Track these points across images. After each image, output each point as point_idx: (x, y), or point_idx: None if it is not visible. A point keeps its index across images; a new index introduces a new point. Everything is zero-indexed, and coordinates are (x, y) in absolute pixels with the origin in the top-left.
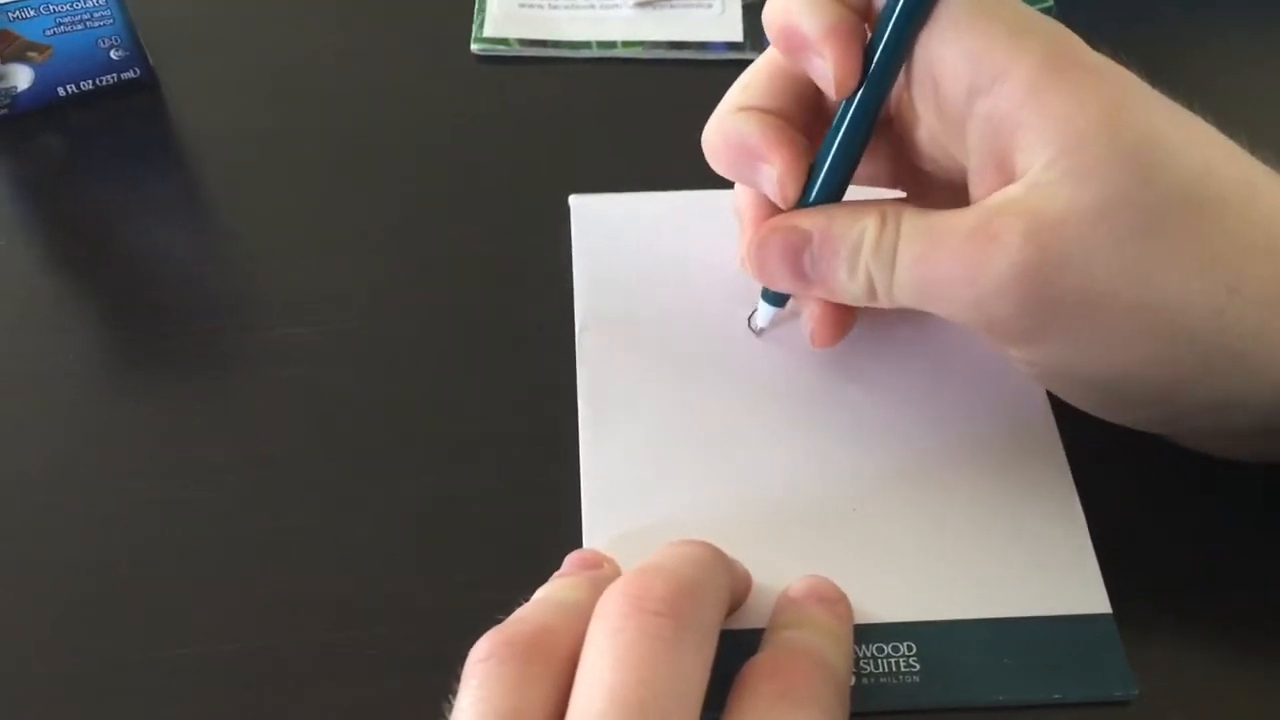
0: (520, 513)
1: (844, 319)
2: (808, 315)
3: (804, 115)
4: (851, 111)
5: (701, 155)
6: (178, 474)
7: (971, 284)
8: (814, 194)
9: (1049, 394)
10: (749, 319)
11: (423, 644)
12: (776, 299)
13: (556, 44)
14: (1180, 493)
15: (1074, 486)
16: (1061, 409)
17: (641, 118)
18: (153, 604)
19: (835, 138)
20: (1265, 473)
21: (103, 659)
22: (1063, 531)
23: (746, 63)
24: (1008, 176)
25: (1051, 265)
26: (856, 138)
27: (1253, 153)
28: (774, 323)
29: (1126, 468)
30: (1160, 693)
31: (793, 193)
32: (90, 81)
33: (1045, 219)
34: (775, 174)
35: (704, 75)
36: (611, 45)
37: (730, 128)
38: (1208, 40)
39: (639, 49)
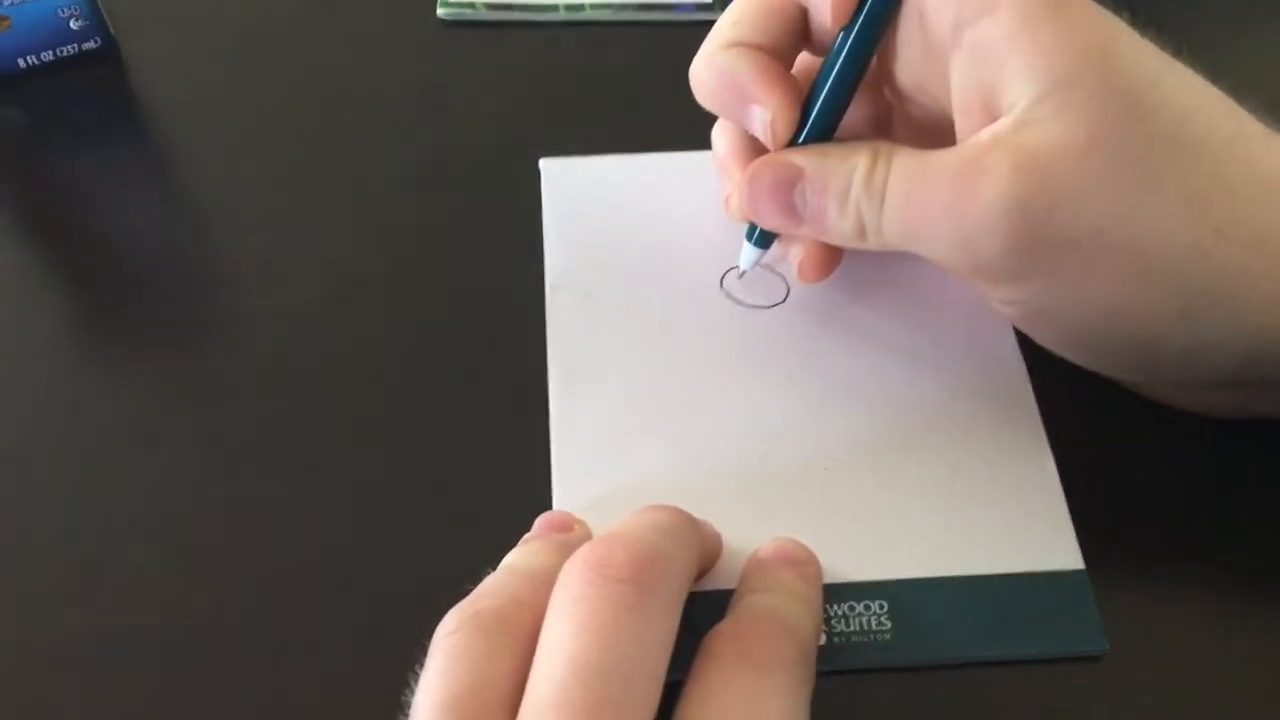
0: (490, 478)
1: (833, 254)
2: (797, 249)
3: (793, 51)
4: (849, 43)
5: (671, 117)
6: (144, 444)
7: (959, 219)
8: (807, 130)
9: (1023, 348)
10: (721, 280)
11: (391, 612)
12: (762, 241)
13: (523, 7)
14: (1155, 447)
15: (1047, 443)
16: (1035, 364)
17: (610, 80)
18: (116, 574)
19: (830, 73)
20: (1238, 428)
21: (66, 629)
22: (1036, 488)
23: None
24: (993, 112)
25: (1040, 200)
26: (852, 72)
27: (1238, 101)
28: (757, 264)
29: (1100, 424)
30: (1131, 648)
31: (784, 135)
32: (51, 52)
33: (1035, 154)
34: (768, 116)
35: (673, 36)
36: (579, 8)
37: (721, 64)
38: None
39: (607, 11)
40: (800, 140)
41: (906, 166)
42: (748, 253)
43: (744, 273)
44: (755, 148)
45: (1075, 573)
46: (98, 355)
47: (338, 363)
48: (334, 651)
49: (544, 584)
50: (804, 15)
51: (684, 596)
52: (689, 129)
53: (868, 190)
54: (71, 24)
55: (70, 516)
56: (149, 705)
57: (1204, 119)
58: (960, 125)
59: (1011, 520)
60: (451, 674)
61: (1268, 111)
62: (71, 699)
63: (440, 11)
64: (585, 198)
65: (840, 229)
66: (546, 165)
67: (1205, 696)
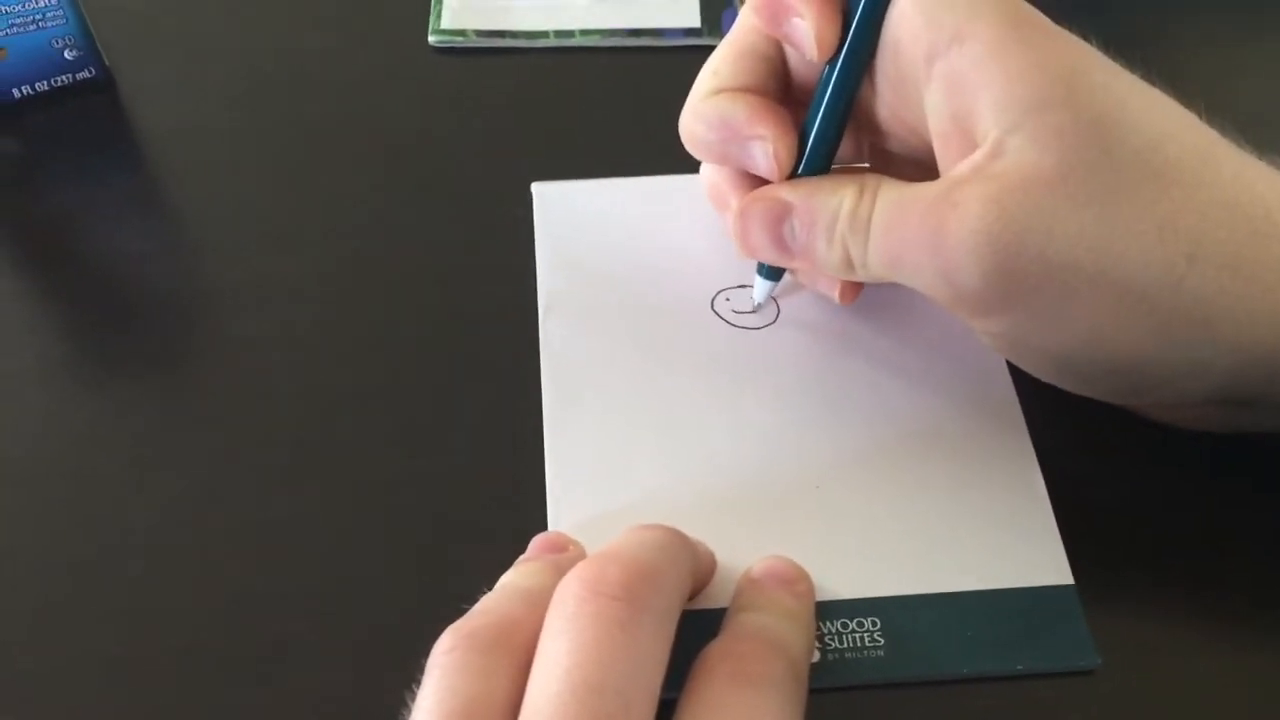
0: (485, 499)
1: None
2: (829, 277)
3: (775, 96)
4: (835, 75)
5: (661, 141)
6: (142, 469)
7: (935, 252)
8: (801, 166)
9: (1011, 367)
10: (712, 301)
11: (387, 632)
12: (773, 274)
13: (514, 34)
14: (1141, 462)
15: (1036, 459)
16: (1023, 382)
17: (600, 105)
18: (116, 600)
19: (819, 107)
20: (1226, 442)
21: (70, 657)
22: (1025, 504)
23: (703, 49)
24: (969, 141)
25: (1011, 232)
26: (840, 104)
27: (1207, 122)
28: (773, 294)
29: (1088, 439)
30: (1123, 662)
31: (788, 163)
32: (45, 82)
33: (1005, 185)
34: (769, 147)
35: (661, 61)
36: (569, 34)
37: (710, 111)
38: (1166, 21)
39: (596, 37)
40: (798, 174)
41: (889, 200)
42: (760, 286)
43: (759, 305)
44: (747, 178)
45: (1065, 588)
46: (94, 382)
47: (333, 388)
48: (330, 672)
49: (539, 603)
50: (783, 58)
51: (678, 614)
52: (679, 152)
53: (853, 225)
54: (66, 54)
55: (68, 540)
56: None
57: (1173, 143)
58: (940, 154)
59: (1001, 536)
60: (447, 692)
61: (1239, 131)
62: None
63: (432, 39)
64: (577, 221)
65: (829, 261)
66: (538, 189)
67: (1197, 709)
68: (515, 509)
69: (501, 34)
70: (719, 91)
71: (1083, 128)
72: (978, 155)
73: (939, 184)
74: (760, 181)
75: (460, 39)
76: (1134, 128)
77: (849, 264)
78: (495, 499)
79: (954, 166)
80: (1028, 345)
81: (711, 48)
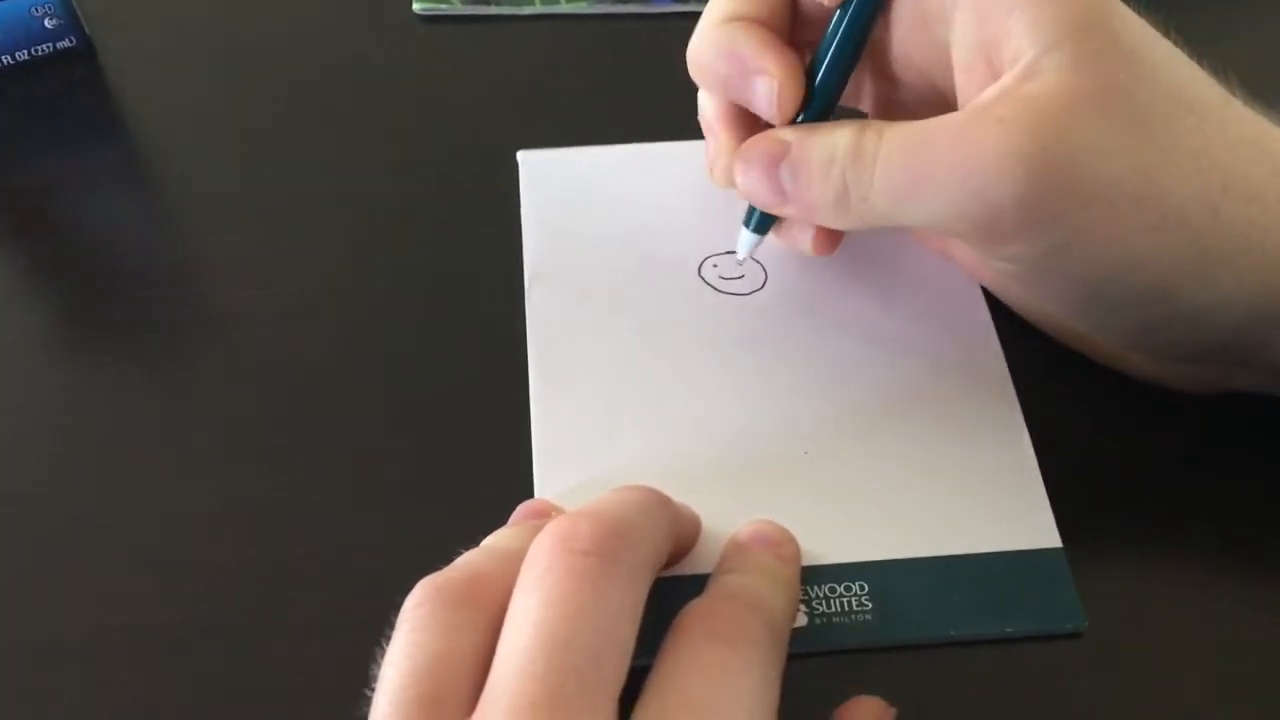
0: (473, 467)
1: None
2: (802, 228)
3: (785, 30)
4: (849, 15)
5: (647, 108)
6: (126, 441)
7: (969, 172)
8: (806, 109)
9: (999, 329)
10: (699, 268)
11: (376, 600)
12: (760, 226)
13: (500, 1)
14: (1129, 426)
15: (1023, 422)
16: (1010, 346)
17: (586, 73)
18: (99, 572)
19: (829, 49)
20: (1211, 405)
21: (49, 628)
22: (1012, 467)
23: (691, 15)
24: (997, 68)
25: (1060, 146)
26: (850, 46)
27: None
28: (755, 249)
29: (1076, 402)
30: (1111, 624)
31: (790, 105)
32: (25, 52)
33: (1047, 103)
34: (774, 85)
35: (648, 29)
36: (555, 2)
37: (721, 38)
38: None
39: (583, 4)
40: (800, 119)
41: (902, 132)
42: (745, 239)
43: (743, 259)
44: (747, 122)
45: (1053, 550)
46: (76, 355)
47: (317, 358)
48: (322, 644)
49: (513, 562)
50: None
51: (652, 570)
52: (665, 120)
53: (856, 158)
54: (46, 23)
55: (46, 512)
56: (137, 700)
57: (1198, 83)
58: (961, 87)
59: (989, 500)
60: (414, 647)
61: (1246, 92)
62: (62, 694)
63: (416, 6)
64: (563, 189)
65: (823, 200)
66: (524, 158)
67: (1184, 670)
68: (503, 478)
69: (487, 1)
70: (732, 19)
71: (1121, 53)
72: (1006, 79)
73: (964, 111)
74: (752, 117)
75: (445, 7)
76: (1164, 63)
77: (845, 202)
78: (484, 468)
79: (977, 96)
80: (1056, 274)
81: (698, 15)
